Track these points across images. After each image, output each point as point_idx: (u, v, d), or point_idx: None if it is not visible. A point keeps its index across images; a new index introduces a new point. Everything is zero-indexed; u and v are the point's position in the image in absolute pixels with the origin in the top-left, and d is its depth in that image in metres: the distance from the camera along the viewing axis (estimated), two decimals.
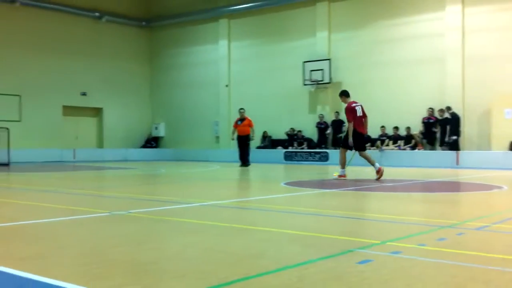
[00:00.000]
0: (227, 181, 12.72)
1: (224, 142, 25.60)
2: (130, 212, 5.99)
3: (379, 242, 4.12)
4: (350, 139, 11.74)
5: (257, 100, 24.38)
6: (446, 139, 19.15)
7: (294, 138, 23.18)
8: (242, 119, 18.70)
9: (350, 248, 3.84)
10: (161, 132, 28.29)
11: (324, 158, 21.53)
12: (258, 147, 23.86)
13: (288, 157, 22.66)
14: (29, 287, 2.90)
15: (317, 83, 22.42)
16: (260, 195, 8.86)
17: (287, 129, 23.50)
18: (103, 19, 26.40)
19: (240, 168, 17.80)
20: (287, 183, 10.69)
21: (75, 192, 8.99)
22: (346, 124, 21.28)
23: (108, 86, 26.58)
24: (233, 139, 19.08)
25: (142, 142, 28.25)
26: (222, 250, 3.86)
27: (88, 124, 26.62)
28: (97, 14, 26.09)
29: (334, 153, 21.34)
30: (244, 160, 18.61)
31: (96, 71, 26.13)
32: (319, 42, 22.85)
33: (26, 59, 23.67)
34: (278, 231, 4.71)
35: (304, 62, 22.71)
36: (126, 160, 25.50)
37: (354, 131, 11.77)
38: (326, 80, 22.18)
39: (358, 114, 11.82)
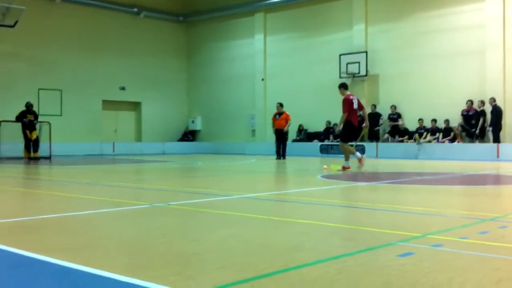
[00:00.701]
0: (264, 174, 12.76)
1: (260, 135, 25.66)
2: (169, 204, 6.07)
3: (419, 235, 4.08)
4: (340, 127, 12.36)
5: (293, 93, 24.33)
6: (477, 131, 18.83)
7: (330, 131, 23.05)
8: (280, 113, 18.99)
9: (390, 241, 3.81)
10: (198, 125, 28.54)
11: (360, 151, 21.24)
12: (294, 140, 23.85)
13: (324, 150, 22.56)
14: (74, 276, 2.97)
15: (354, 76, 22.22)
16: (297, 187, 8.86)
17: (323, 122, 23.37)
18: (141, 15, 26.76)
19: (276, 161, 17.85)
20: (323, 176, 10.65)
21: (115, 185, 9.16)
22: (383, 117, 21.48)
23: (146, 80, 26.95)
24: (274, 133, 19.36)
25: (179, 136, 28.56)
26: (261, 242, 3.88)
27: (127, 118, 27.08)
28: (135, 9, 26.46)
29: (370, 146, 21.18)
30: (279, 153, 18.79)
31: (134, 66, 26.52)
32: (355, 34, 22.62)
33: (66, 55, 24.18)
34: (316, 224, 4.71)
35: (341, 55, 22.54)
36: (163, 154, 25.84)
37: (349, 122, 12.21)
38: (363, 73, 21.97)
39: (354, 107, 12.25)
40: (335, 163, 13.48)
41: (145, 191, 8.23)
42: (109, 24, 25.74)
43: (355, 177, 10.82)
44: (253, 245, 3.80)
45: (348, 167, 12.19)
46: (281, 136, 18.90)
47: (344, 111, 12.24)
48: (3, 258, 3.45)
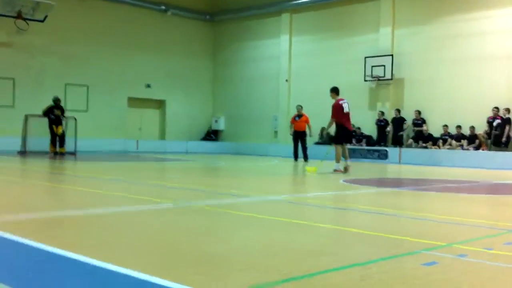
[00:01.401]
0: (286, 176, 12.76)
1: (283, 137, 25.63)
2: (192, 204, 6.12)
3: (444, 244, 4.05)
4: (327, 130, 12.27)
5: (316, 95, 24.23)
6: (504, 138, 18.58)
7: (352, 135, 22.92)
8: (299, 115, 19.12)
9: (415, 249, 3.79)
10: (221, 125, 28.62)
11: (384, 156, 21.20)
12: (316, 143, 23.78)
13: None
14: (98, 273, 3.01)
15: (378, 79, 22.08)
16: (319, 191, 8.84)
17: None
18: (169, 13, 26.92)
19: (297, 163, 17.82)
20: (345, 180, 10.60)
21: (139, 182, 9.25)
22: (407, 122, 21.28)
23: (171, 78, 27.10)
24: (291, 134, 19.42)
25: (202, 135, 28.68)
26: (284, 245, 3.89)
27: (151, 115, 27.27)
28: (163, 7, 26.64)
29: (393, 151, 21.01)
30: (297, 155, 19.01)
31: (160, 64, 26.68)
32: (382, 37, 22.46)
33: (94, 51, 24.42)
34: (339, 229, 4.71)
35: (366, 57, 22.39)
36: (186, 152, 25.98)
37: (341, 126, 12.71)
38: (388, 76, 21.80)
39: (345, 111, 12.71)
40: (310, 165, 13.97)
41: (168, 189, 8.29)
42: (137, 22, 25.93)
43: (376, 182, 10.75)
44: (276, 248, 3.80)
45: (340, 171, 12.61)
46: (301, 138, 19.00)
47: (332, 116, 12.80)
48: (30, 254, 3.51)
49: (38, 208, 5.74)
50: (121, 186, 8.52)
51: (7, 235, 3.94)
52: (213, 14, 28.66)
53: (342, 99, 12.89)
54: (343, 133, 12.89)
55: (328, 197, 7.48)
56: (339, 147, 12.89)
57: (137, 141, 25.54)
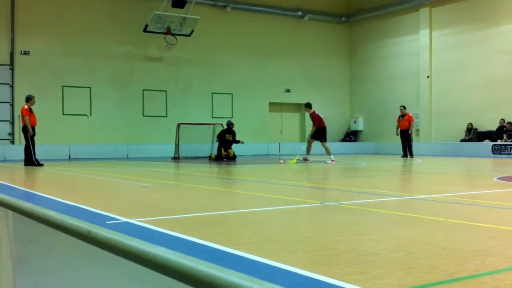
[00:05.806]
0: (432, 174, 12.29)
1: (424, 135, 24.71)
2: (341, 203, 6.13)
3: None
4: (309, 138, 17.36)
5: (460, 90, 23.06)
6: None
7: (504, 131, 21.43)
8: (403, 115, 20.25)
9: None
10: (360, 126, 28.28)
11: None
12: (462, 140, 22.63)
13: (497, 150, 21.06)
14: (261, 270, 3.12)
15: None
16: (472, 190, 8.40)
17: (496, 120, 21.80)
18: (305, 18, 27.23)
19: (443, 161, 17.09)
20: (500, 178, 9.96)
21: (285, 183, 9.47)
22: None
23: (309, 82, 27.33)
24: (397, 134, 20.38)
25: (342, 136, 28.55)
26: (444, 245, 3.76)
27: (291, 119, 27.74)
28: (299, 13, 26.99)
29: None
30: (406, 152, 20.00)
31: (298, 68, 27.03)
32: None
33: (235, 60, 25.37)
34: (502, 228, 4.45)
35: None
36: (326, 154, 25.96)
37: (321, 127, 17.04)
38: None
39: (322, 117, 17.21)
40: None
41: (314, 189, 8.39)
42: (275, 29, 26.52)
43: None
44: (436, 247, 3.69)
45: (334, 161, 16.22)
46: (404, 136, 19.95)
47: (315, 125, 17.02)
48: (195, 250, 3.72)
49: (198, 208, 6.11)
50: (269, 188, 8.77)
51: (174, 233, 4.26)
52: (349, 15, 28.43)
53: (315, 110, 17.28)
54: (323, 132, 17.07)
55: (483, 196, 7.09)
56: (311, 142, 17.19)
57: (279, 144, 26.10)
